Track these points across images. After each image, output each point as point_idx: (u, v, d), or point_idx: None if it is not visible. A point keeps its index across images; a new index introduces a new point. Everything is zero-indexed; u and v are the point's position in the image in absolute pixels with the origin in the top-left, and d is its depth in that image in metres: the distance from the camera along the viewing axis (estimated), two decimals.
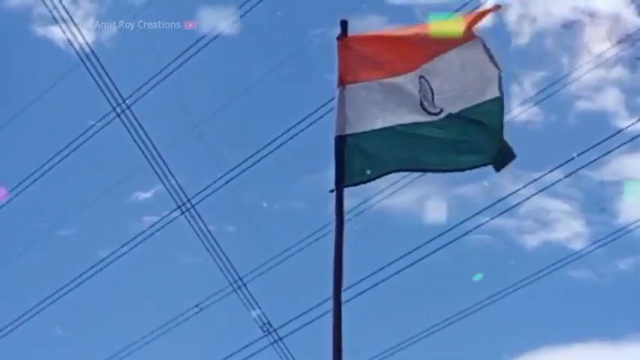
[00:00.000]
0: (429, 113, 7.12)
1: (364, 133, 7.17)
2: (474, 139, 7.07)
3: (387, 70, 7.24)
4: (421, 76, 7.17)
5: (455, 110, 7.06)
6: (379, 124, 7.18)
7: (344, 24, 7.45)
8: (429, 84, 7.14)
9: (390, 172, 7.32)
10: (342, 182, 7.12)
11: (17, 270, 18.50)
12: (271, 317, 15.39)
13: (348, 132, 7.18)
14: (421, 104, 7.14)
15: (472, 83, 7.12)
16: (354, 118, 7.20)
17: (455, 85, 7.13)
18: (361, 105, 7.22)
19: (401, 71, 7.20)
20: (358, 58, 7.31)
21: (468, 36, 7.11)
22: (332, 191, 7.14)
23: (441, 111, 7.10)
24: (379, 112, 7.19)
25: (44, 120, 18.33)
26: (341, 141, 7.18)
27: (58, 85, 16.18)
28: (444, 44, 7.15)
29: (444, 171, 7.50)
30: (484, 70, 7.10)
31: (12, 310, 17.46)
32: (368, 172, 7.18)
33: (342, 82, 7.28)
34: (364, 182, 7.26)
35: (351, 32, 7.44)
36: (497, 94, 7.07)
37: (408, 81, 7.20)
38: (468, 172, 7.24)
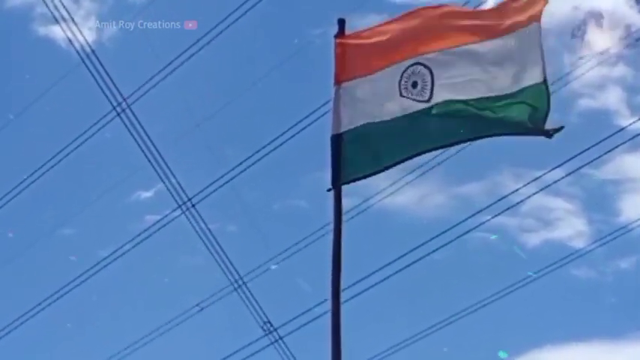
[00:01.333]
0: (416, 100, 7.03)
1: (358, 128, 7.14)
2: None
3: (377, 63, 7.18)
4: (417, 63, 7.05)
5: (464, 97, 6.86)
6: (370, 119, 7.13)
7: (341, 22, 7.44)
8: (430, 71, 7.02)
9: (387, 168, 7.26)
10: (338, 181, 7.11)
11: (19, 269, 18.53)
12: (272, 316, 15.38)
13: (343, 130, 7.16)
14: (400, 93, 7.06)
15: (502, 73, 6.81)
16: (349, 115, 7.18)
17: (473, 75, 6.88)
18: (354, 102, 7.20)
19: (388, 62, 7.12)
20: (353, 55, 7.29)
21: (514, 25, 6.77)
22: (329, 190, 7.13)
23: (430, 98, 6.99)
24: (369, 107, 7.15)
25: (45, 119, 18.35)
26: (337, 140, 7.17)
27: (59, 85, 16.20)
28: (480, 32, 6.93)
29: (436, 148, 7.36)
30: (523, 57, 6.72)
31: (14, 309, 17.48)
32: (365, 168, 7.15)
33: (338, 81, 7.27)
34: (362, 178, 7.23)
35: (350, 31, 7.43)
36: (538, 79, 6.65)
37: (392, 71, 7.10)
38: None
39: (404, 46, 7.12)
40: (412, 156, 7.22)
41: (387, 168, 7.24)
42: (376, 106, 7.12)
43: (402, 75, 7.05)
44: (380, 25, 7.40)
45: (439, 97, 6.91)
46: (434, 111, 6.90)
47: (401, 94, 7.04)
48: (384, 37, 7.26)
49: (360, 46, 7.32)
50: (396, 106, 7.05)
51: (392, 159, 7.17)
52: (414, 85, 7.02)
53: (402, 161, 7.27)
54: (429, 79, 6.98)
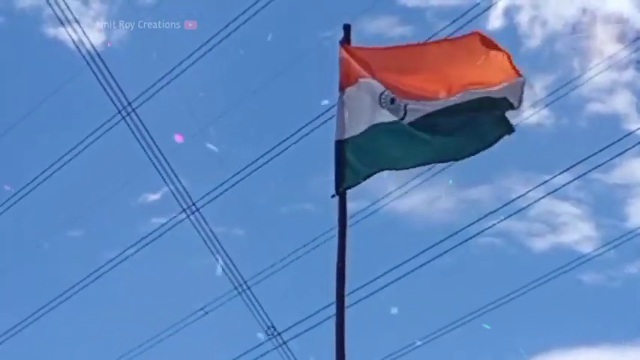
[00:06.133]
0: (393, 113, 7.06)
1: (360, 134, 7.12)
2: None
3: (373, 73, 7.18)
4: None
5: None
6: (369, 124, 7.12)
7: (347, 28, 7.42)
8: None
9: (383, 170, 7.25)
10: (341, 186, 7.09)
11: (26, 270, 18.56)
12: (276, 320, 15.34)
13: (346, 136, 7.14)
14: (380, 103, 7.09)
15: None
16: (352, 121, 7.17)
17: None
18: (357, 107, 7.18)
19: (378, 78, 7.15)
20: (358, 63, 7.27)
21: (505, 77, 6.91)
22: (334, 196, 7.12)
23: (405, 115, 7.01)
24: (369, 112, 7.14)
25: (53, 121, 18.37)
26: (340, 145, 7.15)
27: (66, 87, 16.21)
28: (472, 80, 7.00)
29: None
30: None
31: (20, 311, 17.51)
32: (366, 171, 7.14)
33: (342, 87, 7.25)
34: (362, 181, 7.20)
35: (359, 34, 7.44)
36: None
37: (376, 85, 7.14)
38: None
39: (391, 75, 7.17)
40: (412, 165, 7.31)
41: (385, 169, 7.28)
42: (371, 112, 7.12)
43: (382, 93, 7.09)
44: (382, 48, 7.45)
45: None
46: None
47: (381, 105, 7.08)
48: (382, 56, 7.27)
49: (368, 57, 7.30)
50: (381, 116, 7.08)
51: (392, 164, 7.20)
52: (392, 101, 7.05)
53: (403, 168, 7.35)
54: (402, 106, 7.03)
